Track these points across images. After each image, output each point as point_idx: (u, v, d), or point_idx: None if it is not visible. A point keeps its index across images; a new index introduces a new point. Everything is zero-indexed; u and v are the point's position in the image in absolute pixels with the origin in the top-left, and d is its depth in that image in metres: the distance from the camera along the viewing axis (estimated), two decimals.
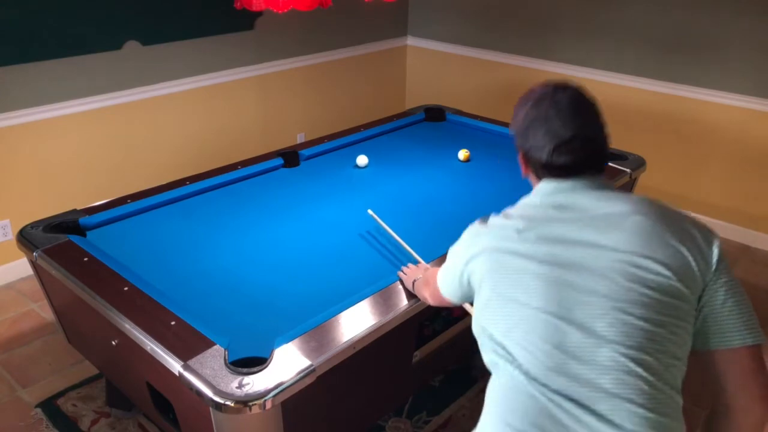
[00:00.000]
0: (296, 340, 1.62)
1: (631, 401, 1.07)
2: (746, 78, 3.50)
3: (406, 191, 2.62)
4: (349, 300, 1.80)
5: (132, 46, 3.39)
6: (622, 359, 1.07)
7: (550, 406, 1.10)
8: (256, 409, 1.45)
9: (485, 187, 2.65)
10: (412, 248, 2.06)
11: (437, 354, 2.10)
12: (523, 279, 1.15)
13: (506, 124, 3.30)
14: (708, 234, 1.17)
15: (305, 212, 2.43)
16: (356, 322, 1.71)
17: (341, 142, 3.05)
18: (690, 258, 1.12)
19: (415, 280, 1.80)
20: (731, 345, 1.13)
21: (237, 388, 1.46)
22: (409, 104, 5.02)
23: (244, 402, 1.43)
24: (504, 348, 1.16)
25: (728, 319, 1.14)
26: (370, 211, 2.28)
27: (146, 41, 3.43)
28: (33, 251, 2.06)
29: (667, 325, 1.10)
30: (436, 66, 4.85)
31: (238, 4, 2.72)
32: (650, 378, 1.08)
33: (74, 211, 2.33)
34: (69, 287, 1.92)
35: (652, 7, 3.66)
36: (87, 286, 1.86)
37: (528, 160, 1.29)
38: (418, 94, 4.99)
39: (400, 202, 2.52)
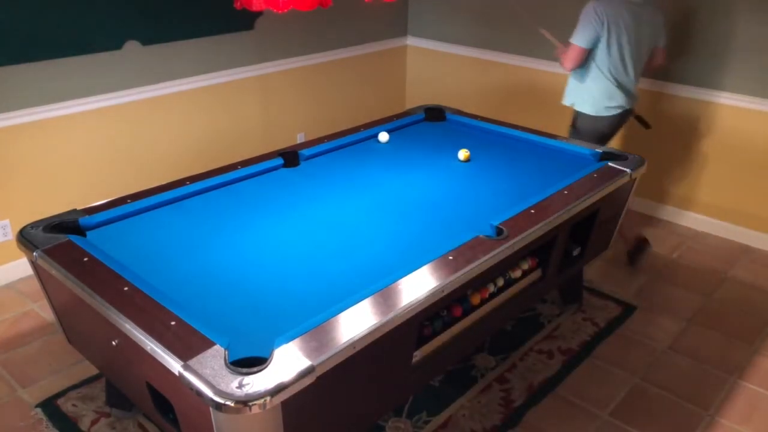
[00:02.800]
0: (296, 340, 1.62)
1: None
2: (745, 78, 3.51)
3: (406, 191, 2.61)
4: (349, 300, 1.80)
5: (132, 46, 3.39)
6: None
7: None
8: (256, 409, 1.45)
9: (485, 187, 2.65)
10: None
11: (437, 354, 2.10)
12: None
13: (506, 124, 3.30)
14: None
15: (305, 212, 2.43)
16: (356, 322, 1.71)
17: (341, 142, 3.05)
18: None
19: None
20: None
21: (237, 388, 1.46)
22: (409, 104, 5.02)
23: (244, 402, 1.44)
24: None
25: None
26: (542, 31, 2.95)
27: (146, 41, 3.43)
28: (33, 251, 2.06)
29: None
30: (436, 66, 4.85)
31: (238, 4, 2.71)
32: None
33: (74, 211, 2.33)
34: (69, 287, 1.92)
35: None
36: (87, 286, 1.85)
37: None
38: (417, 94, 4.99)
39: (399, 202, 2.52)
